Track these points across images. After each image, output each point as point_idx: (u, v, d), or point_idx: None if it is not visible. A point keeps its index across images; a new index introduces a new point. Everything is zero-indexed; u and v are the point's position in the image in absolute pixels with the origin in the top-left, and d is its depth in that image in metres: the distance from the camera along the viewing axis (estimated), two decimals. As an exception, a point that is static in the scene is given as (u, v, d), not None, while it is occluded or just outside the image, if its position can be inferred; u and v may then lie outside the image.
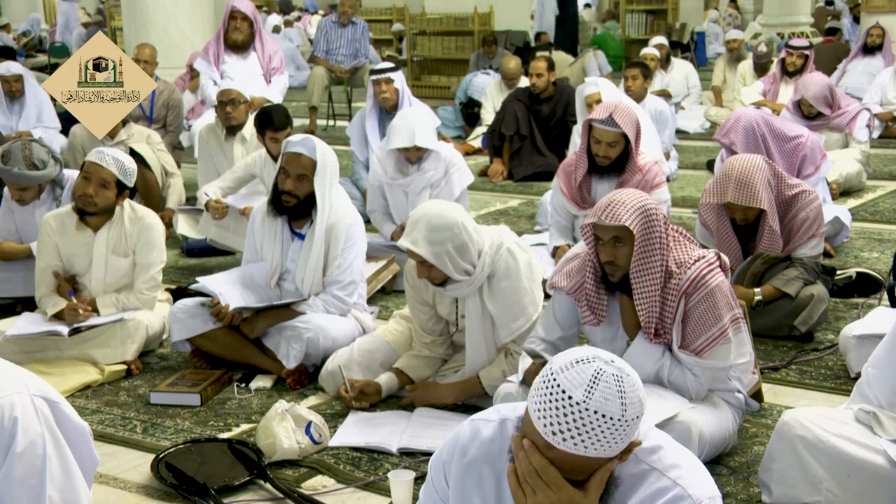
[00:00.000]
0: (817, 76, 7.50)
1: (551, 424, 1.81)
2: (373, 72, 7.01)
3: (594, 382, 1.82)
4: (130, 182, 4.43)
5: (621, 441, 1.84)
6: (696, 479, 1.95)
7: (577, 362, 1.85)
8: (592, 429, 1.80)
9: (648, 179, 5.17)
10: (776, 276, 4.50)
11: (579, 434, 1.80)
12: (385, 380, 3.90)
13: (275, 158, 5.53)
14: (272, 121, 5.51)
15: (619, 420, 1.81)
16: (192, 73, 9.02)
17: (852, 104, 7.30)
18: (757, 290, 4.46)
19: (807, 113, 7.03)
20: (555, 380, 1.83)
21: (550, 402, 1.81)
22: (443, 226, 3.58)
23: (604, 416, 1.80)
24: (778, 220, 4.41)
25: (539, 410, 1.83)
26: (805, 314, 4.44)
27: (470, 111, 10.15)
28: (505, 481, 2.02)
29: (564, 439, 1.81)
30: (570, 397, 1.81)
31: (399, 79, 6.80)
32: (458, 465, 2.10)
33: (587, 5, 21.16)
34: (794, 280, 4.46)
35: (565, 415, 1.80)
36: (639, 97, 7.82)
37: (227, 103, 6.11)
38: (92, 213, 4.41)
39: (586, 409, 1.80)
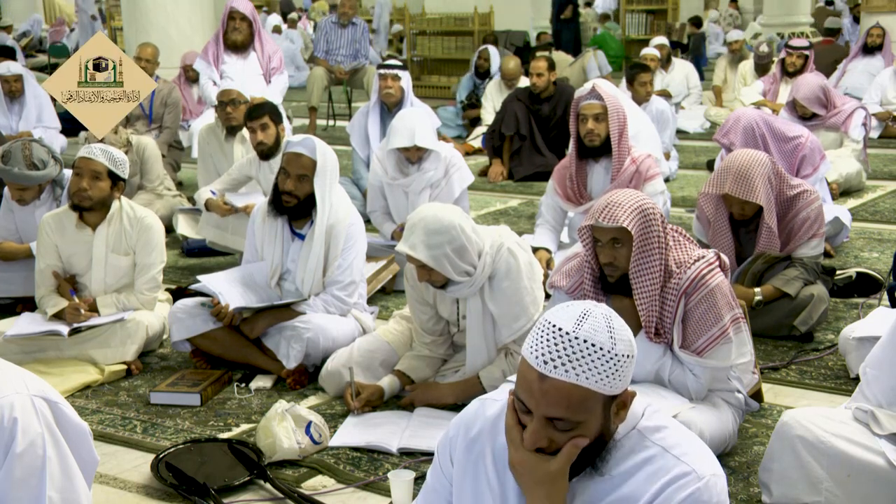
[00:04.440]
0: (810, 76, 7.49)
1: (542, 354, 1.86)
2: (381, 65, 7.05)
3: (583, 317, 1.88)
4: (123, 173, 4.44)
5: (612, 375, 1.86)
6: (699, 456, 1.97)
7: (568, 306, 1.92)
8: (582, 356, 1.85)
9: (642, 171, 5.21)
10: (776, 276, 4.50)
11: (569, 360, 1.85)
12: (388, 383, 3.90)
13: (259, 153, 5.56)
14: (248, 112, 5.60)
15: (608, 352, 1.86)
16: (187, 73, 9.02)
17: (848, 103, 7.29)
18: (757, 289, 4.47)
19: (801, 113, 7.02)
20: (546, 319, 1.90)
21: (541, 336, 1.88)
22: (440, 229, 3.58)
23: (593, 345, 1.85)
24: (776, 218, 4.41)
25: (531, 346, 1.89)
26: (805, 314, 4.44)
27: (471, 113, 10.15)
28: (506, 458, 2.04)
29: (556, 367, 1.85)
30: (560, 328, 1.87)
31: (406, 79, 6.89)
32: (463, 441, 2.12)
33: (588, 4, 21.16)
34: (794, 280, 4.47)
35: (556, 344, 1.86)
36: (640, 99, 7.85)
37: (228, 103, 6.13)
38: (89, 209, 4.41)
39: (576, 338, 1.85)
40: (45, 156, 4.91)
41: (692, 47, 16.07)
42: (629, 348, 1.89)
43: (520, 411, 1.94)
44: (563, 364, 1.84)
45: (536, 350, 1.87)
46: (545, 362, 1.85)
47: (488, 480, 2.07)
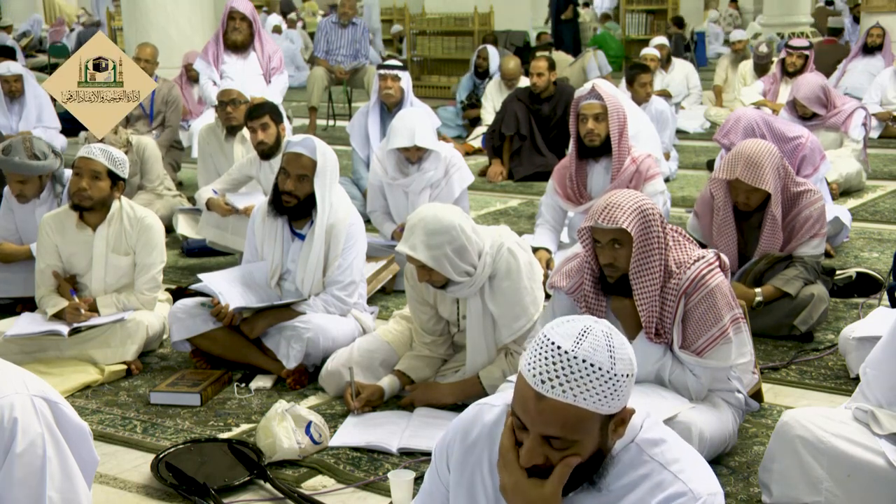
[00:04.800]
0: (810, 76, 7.49)
1: (540, 374, 1.83)
2: (381, 66, 7.07)
3: (583, 335, 1.85)
4: (123, 173, 4.44)
5: (611, 396, 1.84)
6: (697, 474, 1.95)
7: (567, 321, 1.89)
8: (581, 377, 1.82)
9: (642, 171, 5.21)
10: (776, 276, 4.50)
11: (567, 381, 1.82)
12: (388, 383, 3.90)
13: (259, 153, 5.56)
14: (248, 112, 5.63)
15: (607, 372, 1.83)
16: (189, 73, 9.03)
17: (848, 103, 7.29)
18: (757, 290, 4.47)
19: (801, 113, 7.02)
20: (545, 335, 1.87)
21: (540, 353, 1.85)
22: (440, 229, 3.58)
23: (592, 364, 1.82)
24: (781, 210, 4.41)
25: (529, 363, 1.86)
26: (805, 314, 4.44)
27: (471, 112, 10.15)
28: None
29: (553, 387, 1.82)
30: (559, 347, 1.83)
31: (406, 79, 6.91)
32: (460, 447, 2.11)
33: (587, 4, 21.17)
34: (794, 280, 4.47)
35: (554, 363, 1.83)
36: (640, 100, 7.85)
37: (228, 103, 6.13)
38: (89, 209, 4.42)
39: (574, 358, 1.82)
40: (46, 149, 4.92)
41: (673, 49, 15.84)
42: (629, 367, 1.86)
43: (516, 427, 1.91)
44: (560, 384, 1.82)
45: (534, 368, 1.84)
46: (542, 381, 1.82)
47: (484, 487, 2.06)
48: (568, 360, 1.82)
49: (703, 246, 4.59)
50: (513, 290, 3.73)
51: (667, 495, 1.91)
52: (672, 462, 1.95)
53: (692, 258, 3.30)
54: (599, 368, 1.82)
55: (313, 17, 19.65)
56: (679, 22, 17.05)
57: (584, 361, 1.82)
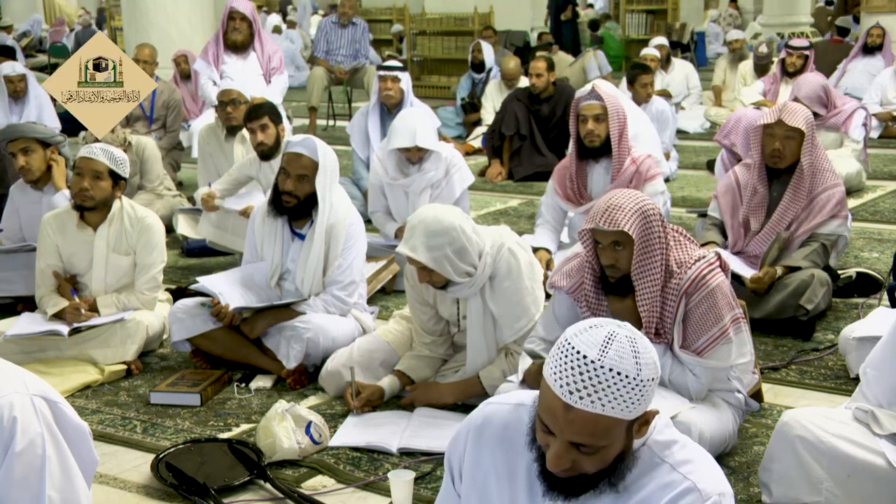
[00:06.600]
0: (811, 76, 7.49)
1: (568, 384, 1.83)
2: (381, 67, 7.07)
3: (608, 342, 1.84)
4: (124, 172, 4.45)
5: (638, 401, 1.84)
6: (706, 474, 1.96)
7: (591, 327, 1.88)
8: (608, 386, 1.82)
9: (642, 171, 5.21)
10: (789, 256, 4.59)
11: (595, 392, 1.82)
12: (388, 383, 3.90)
13: (259, 154, 5.57)
14: (248, 112, 5.65)
15: (634, 378, 1.83)
16: (180, 67, 9.02)
17: (848, 103, 7.29)
18: (777, 267, 4.57)
19: (802, 113, 7.02)
20: (569, 343, 1.86)
21: (566, 363, 1.84)
22: (440, 231, 3.58)
23: (619, 373, 1.82)
24: (811, 163, 4.58)
25: (555, 373, 1.85)
26: (809, 293, 4.46)
27: (470, 118, 10.15)
28: (518, 466, 2.03)
29: (581, 398, 1.82)
30: (584, 356, 1.83)
31: (406, 80, 6.91)
32: (472, 448, 2.11)
33: (589, 5, 21.18)
34: (805, 260, 4.57)
35: (581, 374, 1.82)
36: (641, 100, 7.85)
37: (228, 103, 6.14)
38: (91, 208, 4.42)
39: (601, 367, 1.82)
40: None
41: (569, 39, 15.65)
42: (654, 371, 1.87)
43: (542, 431, 1.92)
44: (588, 395, 1.82)
45: (561, 378, 1.84)
46: (570, 392, 1.83)
47: (500, 494, 2.07)
48: (595, 369, 1.82)
49: (723, 231, 4.80)
50: (514, 291, 3.73)
51: (676, 494, 1.92)
52: (683, 463, 1.96)
53: (693, 258, 3.30)
54: (626, 376, 1.83)
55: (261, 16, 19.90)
56: (595, 25, 17.12)
57: (611, 370, 1.82)
